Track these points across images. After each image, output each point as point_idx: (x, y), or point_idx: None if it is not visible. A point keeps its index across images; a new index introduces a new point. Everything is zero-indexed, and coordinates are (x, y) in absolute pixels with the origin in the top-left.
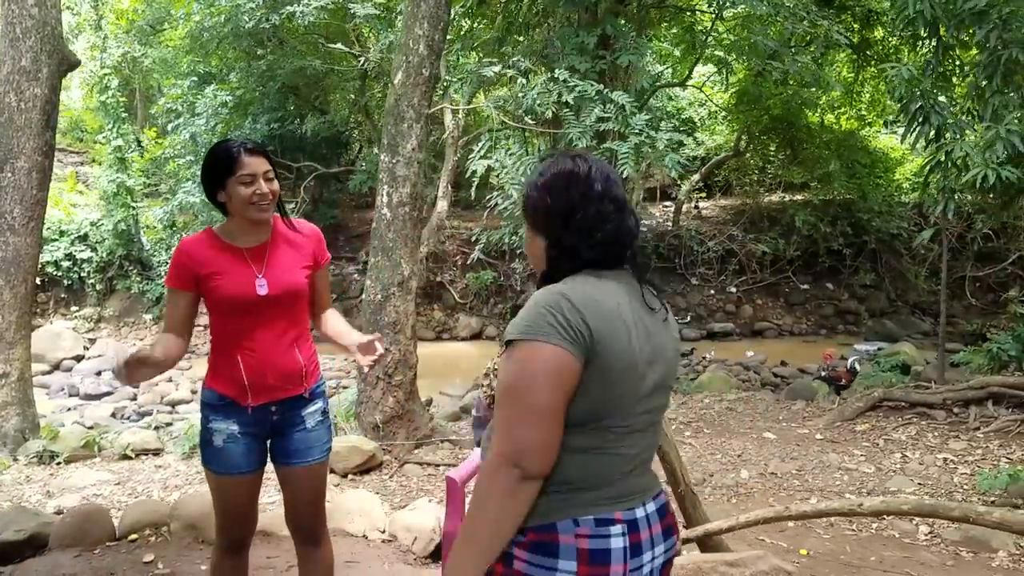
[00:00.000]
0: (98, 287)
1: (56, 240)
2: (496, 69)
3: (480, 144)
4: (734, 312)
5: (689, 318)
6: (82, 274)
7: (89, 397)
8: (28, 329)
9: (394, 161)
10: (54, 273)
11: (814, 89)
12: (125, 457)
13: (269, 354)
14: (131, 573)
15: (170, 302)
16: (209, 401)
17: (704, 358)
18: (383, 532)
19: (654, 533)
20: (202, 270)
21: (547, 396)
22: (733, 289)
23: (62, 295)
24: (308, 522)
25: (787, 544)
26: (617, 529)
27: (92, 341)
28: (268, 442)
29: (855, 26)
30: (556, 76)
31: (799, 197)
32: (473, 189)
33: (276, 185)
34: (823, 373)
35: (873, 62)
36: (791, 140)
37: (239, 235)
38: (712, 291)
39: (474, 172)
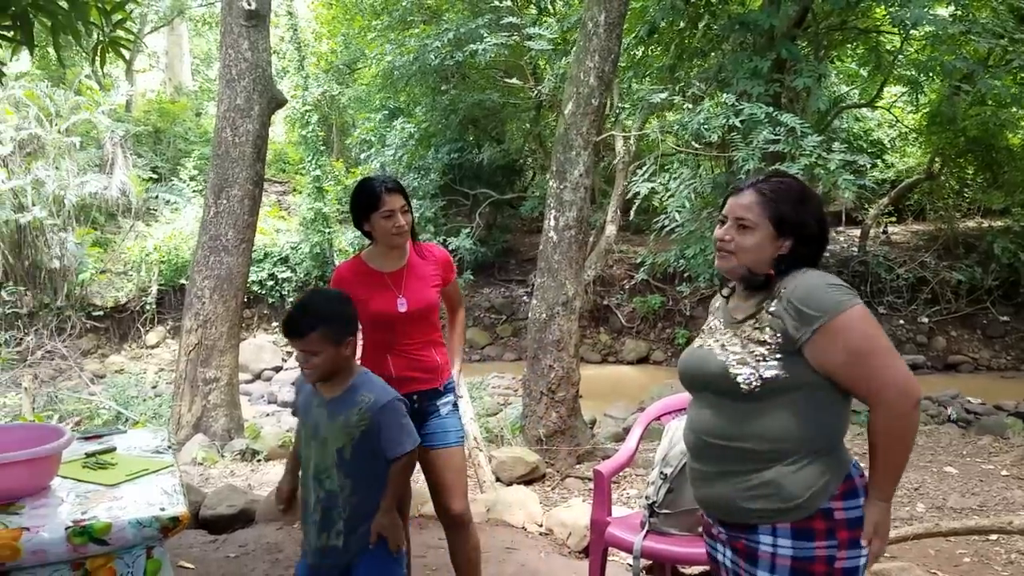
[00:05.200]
0: None
1: (261, 262)
2: (663, 95)
3: (645, 167)
4: (925, 344)
5: None
6: (283, 292)
7: (286, 404)
8: (236, 340)
9: (562, 187)
10: (258, 291)
11: (1015, 109)
12: None
13: (412, 354)
14: None
15: None
16: None
17: None
18: (540, 526)
19: None
20: (357, 293)
21: (886, 338)
22: (925, 319)
23: (264, 312)
24: (453, 506)
25: None
26: None
27: (289, 354)
28: None
29: None
30: (724, 100)
31: (999, 223)
32: (632, 212)
33: (410, 217)
34: None
35: None
36: (990, 163)
37: (382, 260)
38: (901, 321)
39: (637, 194)
